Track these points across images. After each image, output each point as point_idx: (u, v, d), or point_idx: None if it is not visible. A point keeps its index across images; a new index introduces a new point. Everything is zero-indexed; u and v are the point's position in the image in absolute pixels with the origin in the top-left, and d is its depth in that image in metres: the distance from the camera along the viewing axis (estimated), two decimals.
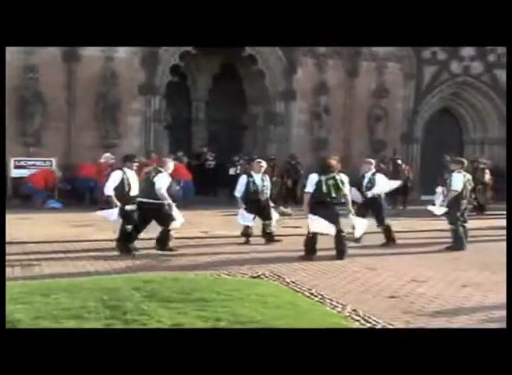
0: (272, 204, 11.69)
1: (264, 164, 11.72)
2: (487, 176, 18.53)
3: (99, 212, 10.35)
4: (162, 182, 10.07)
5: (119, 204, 9.97)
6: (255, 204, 11.22)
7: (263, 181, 11.43)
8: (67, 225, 12.96)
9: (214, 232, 12.36)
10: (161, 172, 10.20)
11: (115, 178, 10.17)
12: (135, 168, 10.48)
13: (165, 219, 10.05)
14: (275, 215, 11.59)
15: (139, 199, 10.06)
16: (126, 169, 10.28)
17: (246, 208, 11.19)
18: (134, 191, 10.21)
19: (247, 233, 11.23)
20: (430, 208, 11.25)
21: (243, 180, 11.41)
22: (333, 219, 9.72)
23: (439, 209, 11.00)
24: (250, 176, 11.44)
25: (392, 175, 18.73)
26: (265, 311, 5.81)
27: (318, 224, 9.66)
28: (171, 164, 10.60)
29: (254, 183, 11.31)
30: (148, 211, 10.04)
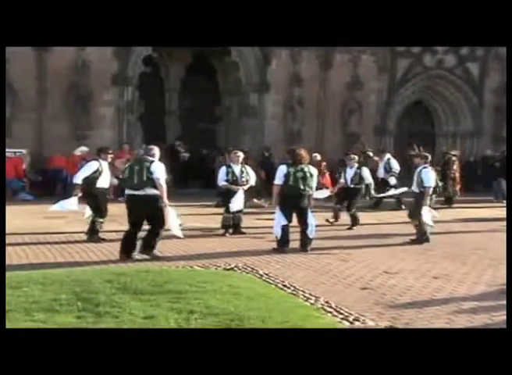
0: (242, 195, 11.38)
1: (240, 154, 11.65)
2: (455, 167, 18.51)
3: (54, 207, 10.44)
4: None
5: (80, 194, 10.05)
6: (235, 194, 11.17)
7: (242, 172, 11.41)
8: (38, 217, 12.80)
9: (187, 224, 12.30)
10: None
11: (90, 168, 10.23)
12: (109, 160, 10.65)
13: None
14: (238, 205, 11.24)
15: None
16: (101, 160, 10.39)
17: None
18: (104, 182, 10.35)
19: (227, 224, 11.20)
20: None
21: (222, 171, 11.40)
22: (301, 211, 9.77)
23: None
24: (229, 166, 11.43)
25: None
26: (238, 303, 5.81)
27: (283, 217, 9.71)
28: None
29: (233, 173, 11.30)
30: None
